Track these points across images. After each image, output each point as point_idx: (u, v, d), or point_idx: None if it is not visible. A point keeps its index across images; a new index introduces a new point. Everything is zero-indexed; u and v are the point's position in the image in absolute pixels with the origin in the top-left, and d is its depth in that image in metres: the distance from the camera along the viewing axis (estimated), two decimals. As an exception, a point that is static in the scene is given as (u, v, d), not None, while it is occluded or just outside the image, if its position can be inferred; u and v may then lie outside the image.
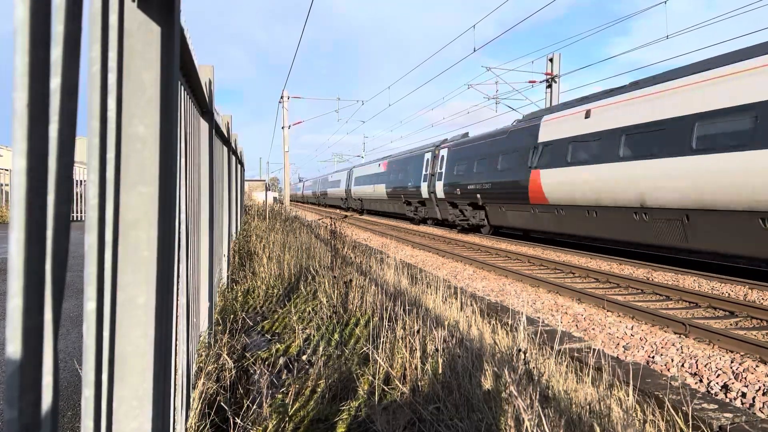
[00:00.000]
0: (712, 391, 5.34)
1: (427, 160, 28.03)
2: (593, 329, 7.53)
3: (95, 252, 0.92)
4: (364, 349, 3.85)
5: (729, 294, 10.10)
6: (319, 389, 3.38)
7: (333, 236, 9.39)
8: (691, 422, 3.08)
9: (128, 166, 1.12)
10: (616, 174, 12.85)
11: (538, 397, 2.53)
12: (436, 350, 3.49)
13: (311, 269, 6.91)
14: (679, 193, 11.04)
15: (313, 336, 4.45)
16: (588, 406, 2.94)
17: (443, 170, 25.53)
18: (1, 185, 22.05)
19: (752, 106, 9.55)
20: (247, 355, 4.16)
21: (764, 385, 5.27)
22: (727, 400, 4.99)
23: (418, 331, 3.80)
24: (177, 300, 2.33)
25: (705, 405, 4.10)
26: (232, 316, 4.94)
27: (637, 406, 3.39)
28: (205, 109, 3.90)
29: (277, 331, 4.93)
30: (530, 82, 26.42)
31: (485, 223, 21.96)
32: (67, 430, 3.14)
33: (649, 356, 6.38)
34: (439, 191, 25.84)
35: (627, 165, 12.46)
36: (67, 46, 0.64)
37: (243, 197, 16.15)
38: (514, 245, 19.03)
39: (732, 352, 6.36)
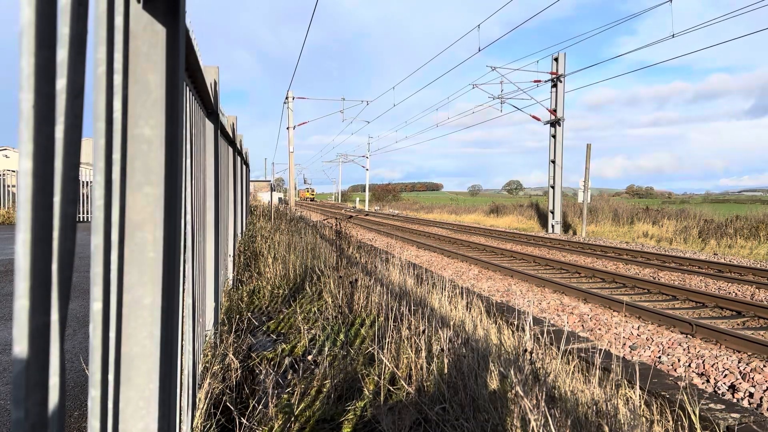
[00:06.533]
0: (719, 392, 5.31)
1: None
2: (599, 329, 7.51)
3: (101, 253, 0.93)
4: (370, 349, 3.85)
5: (736, 294, 10.04)
6: (325, 389, 3.38)
7: (338, 236, 9.40)
8: (699, 423, 3.06)
9: (134, 167, 1.12)
10: None
11: (544, 397, 2.53)
12: (442, 350, 3.48)
13: (316, 269, 6.92)
14: None
15: (319, 336, 4.45)
16: (594, 406, 2.93)
17: None
18: (8, 186, 22.17)
19: None
20: (253, 355, 4.17)
21: (772, 385, 5.24)
22: (735, 401, 4.97)
23: (423, 332, 3.80)
24: (183, 300, 2.34)
25: (712, 405, 4.08)
26: (237, 316, 4.95)
27: (644, 406, 3.38)
28: (211, 110, 3.91)
29: (282, 331, 4.94)
30: (535, 81, 26.36)
31: None
32: (74, 430, 3.15)
33: (655, 356, 6.35)
34: None
35: None
36: (72, 47, 0.64)
37: (248, 198, 16.19)
38: (519, 246, 18.99)
39: (739, 352, 6.33)
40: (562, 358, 3.78)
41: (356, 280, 5.74)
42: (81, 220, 19.93)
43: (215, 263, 4.13)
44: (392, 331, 3.91)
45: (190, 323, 2.55)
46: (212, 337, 3.99)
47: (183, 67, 1.35)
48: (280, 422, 2.97)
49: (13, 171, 23.56)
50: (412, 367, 3.49)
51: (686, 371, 5.82)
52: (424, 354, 3.49)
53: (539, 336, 4.41)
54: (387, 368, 3.42)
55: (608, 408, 2.86)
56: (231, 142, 6.63)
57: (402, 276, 7.28)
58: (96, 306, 0.92)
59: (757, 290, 10.25)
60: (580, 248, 17.48)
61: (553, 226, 26.19)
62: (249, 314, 5.12)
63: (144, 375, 1.16)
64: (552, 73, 25.86)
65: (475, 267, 13.63)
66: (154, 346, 1.16)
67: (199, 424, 2.80)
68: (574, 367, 3.86)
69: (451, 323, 4.54)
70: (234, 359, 3.65)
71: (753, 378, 5.43)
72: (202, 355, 3.52)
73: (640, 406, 3.16)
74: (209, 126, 3.89)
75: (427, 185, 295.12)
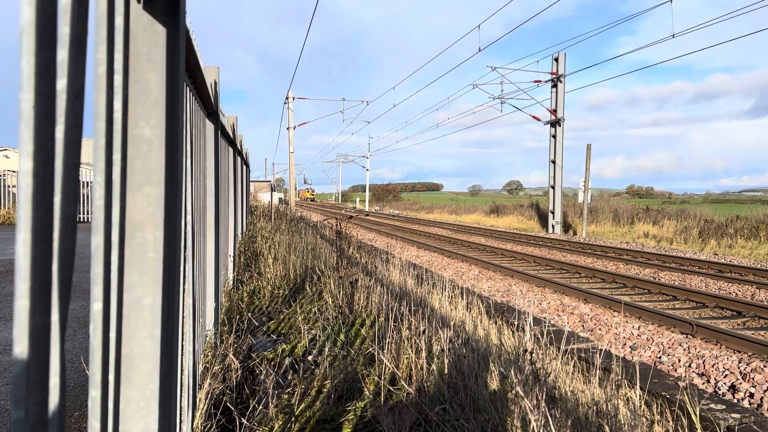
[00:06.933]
0: (720, 392, 5.31)
1: None
2: (600, 329, 7.50)
3: (102, 253, 0.93)
4: (370, 349, 3.85)
5: (736, 294, 10.04)
6: (325, 390, 3.38)
7: (338, 237, 9.39)
8: (699, 423, 3.06)
9: (134, 167, 1.12)
10: None
11: (544, 397, 2.53)
12: (442, 351, 3.48)
13: (317, 270, 6.92)
14: None
15: (319, 336, 4.45)
16: (595, 407, 2.93)
17: None
18: (9, 187, 22.18)
19: None
20: (253, 355, 4.17)
21: (772, 385, 5.23)
22: (735, 401, 4.97)
23: (423, 332, 3.80)
24: (183, 301, 2.33)
25: (713, 405, 4.08)
26: (237, 316, 4.95)
27: (644, 406, 3.38)
28: (211, 111, 3.91)
29: (282, 331, 4.94)
30: (535, 81, 26.35)
31: None
32: (75, 431, 3.15)
33: (656, 356, 6.35)
34: None
35: None
36: (73, 47, 0.64)
37: (248, 198, 16.18)
38: (519, 246, 18.99)
39: (739, 352, 6.33)
40: (562, 359, 3.78)
41: (356, 281, 5.74)
42: (81, 220, 19.93)
43: (215, 263, 4.13)
44: (392, 332, 3.91)
45: (190, 323, 2.55)
46: (212, 337, 3.99)
47: (183, 67, 1.35)
48: (281, 422, 2.97)
49: (14, 171, 23.58)
50: (413, 368, 3.49)
51: (686, 371, 5.82)
52: (424, 354, 3.49)
53: (539, 336, 4.41)
54: (387, 368, 3.42)
55: (608, 408, 2.86)
56: (231, 142, 6.64)
57: (402, 276, 7.28)
58: (96, 306, 0.92)
59: (757, 290, 10.25)
60: (580, 248, 17.48)
61: (553, 227, 26.19)
62: (249, 314, 5.12)
63: (144, 375, 1.16)
64: (552, 74, 25.86)
65: (476, 267, 13.62)
66: (154, 347, 1.16)
67: (199, 425, 2.80)
68: (574, 367, 3.86)
69: (452, 323, 4.54)
70: (234, 359, 3.65)
71: (753, 378, 5.43)
72: (202, 356, 3.52)
73: (641, 406, 3.16)
74: (209, 126, 3.89)
75: (427, 185, 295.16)
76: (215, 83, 3.88)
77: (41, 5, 0.56)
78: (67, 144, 0.64)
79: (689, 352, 6.32)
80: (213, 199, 3.99)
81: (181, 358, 2.17)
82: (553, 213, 26.22)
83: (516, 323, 4.86)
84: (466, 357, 3.35)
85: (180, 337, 2.08)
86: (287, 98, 32.78)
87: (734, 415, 3.91)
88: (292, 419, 3.02)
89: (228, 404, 3.05)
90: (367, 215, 43.75)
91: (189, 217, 2.48)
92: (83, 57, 0.67)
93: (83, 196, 20.96)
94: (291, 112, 32.72)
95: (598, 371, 3.44)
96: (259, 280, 7.01)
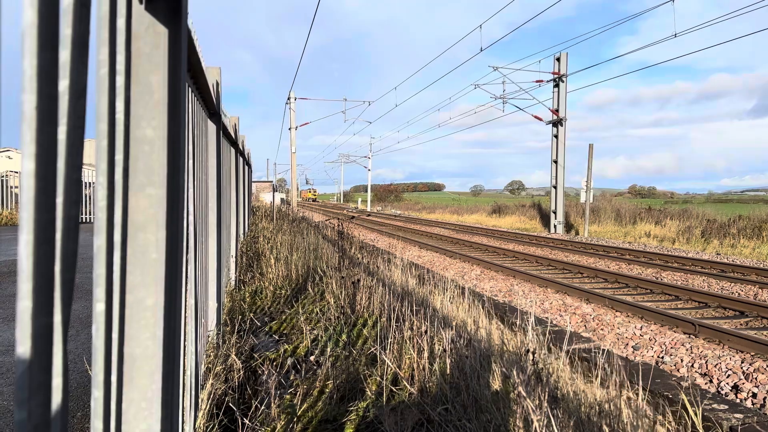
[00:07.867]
0: (723, 392, 5.29)
1: None
2: (602, 329, 7.49)
3: (104, 254, 0.93)
4: (372, 349, 3.85)
5: (739, 294, 10.02)
6: (327, 390, 3.38)
7: (340, 237, 9.40)
8: (701, 423, 3.06)
9: (136, 168, 1.13)
10: None
11: (546, 397, 2.52)
12: (444, 351, 3.48)
13: (319, 270, 6.92)
14: None
15: (321, 337, 4.45)
16: (597, 407, 2.92)
17: None
18: (11, 188, 22.23)
19: None
20: (255, 355, 4.17)
21: (775, 385, 5.22)
22: (738, 401, 4.95)
23: (425, 332, 3.79)
24: (185, 301, 2.34)
25: (715, 405, 4.07)
26: (240, 316, 4.95)
27: (647, 406, 3.37)
28: (213, 111, 3.91)
29: (284, 331, 4.94)
30: (537, 81, 26.33)
31: None
32: (77, 431, 3.15)
33: (658, 356, 6.34)
34: None
35: None
36: (75, 48, 0.64)
37: (250, 199, 16.19)
38: (521, 246, 18.97)
39: (742, 352, 6.31)
40: (564, 359, 3.77)
41: (358, 281, 5.74)
42: (83, 221, 19.97)
43: (218, 264, 4.13)
44: (394, 332, 3.91)
45: (192, 324, 2.55)
46: (215, 337, 4.00)
47: (185, 68, 1.35)
48: (283, 423, 2.97)
49: (16, 172, 23.63)
50: (415, 368, 3.49)
51: (689, 371, 5.81)
52: (426, 354, 3.49)
53: (542, 336, 4.41)
54: (389, 369, 3.42)
55: (611, 408, 2.86)
56: (233, 142, 6.64)
57: (404, 276, 7.28)
58: (99, 307, 0.92)
59: (760, 290, 10.23)
60: (582, 248, 17.46)
61: (555, 226, 26.16)
62: (251, 315, 5.12)
63: (147, 376, 1.16)
64: (554, 73, 25.83)
65: (478, 267, 13.61)
66: (156, 347, 1.16)
67: (201, 425, 2.81)
68: (576, 367, 3.86)
69: (454, 324, 4.54)
70: (236, 360, 3.66)
71: (756, 378, 5.41)
72: (204, 356, 3.53)
73: (643, 406, 3.15)
74: (211, 127, 3.89)
75: (429, 185, 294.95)
76: (217, 84, 3.89)
77: (43, 6, 0.56)
78: (69, 145, 0.64)
79: (692, 352, 6.30)
80: (215, 200, 4.00)
81: (184, 359, 2.17)
82: (555, 213, 26.19)
83: (518, 323, 4.86)
84: (468, 357, 3.35)
85: (182, 337, 2.09)
86: (289, 99, 32.79)
87: (737, 416, 3.90)
88: (295, 419, 3.02)
89: (230, 404, 3.05)
90: (369, 215, 43.74)
91: (191, 218, 2.49)
92: (85, 58, 0.67)
93: (85, 196, 21.00)
94: (293, 112, 32.73)
95: (600, 371, 3.44)
96: (261, 281, 7.01)
